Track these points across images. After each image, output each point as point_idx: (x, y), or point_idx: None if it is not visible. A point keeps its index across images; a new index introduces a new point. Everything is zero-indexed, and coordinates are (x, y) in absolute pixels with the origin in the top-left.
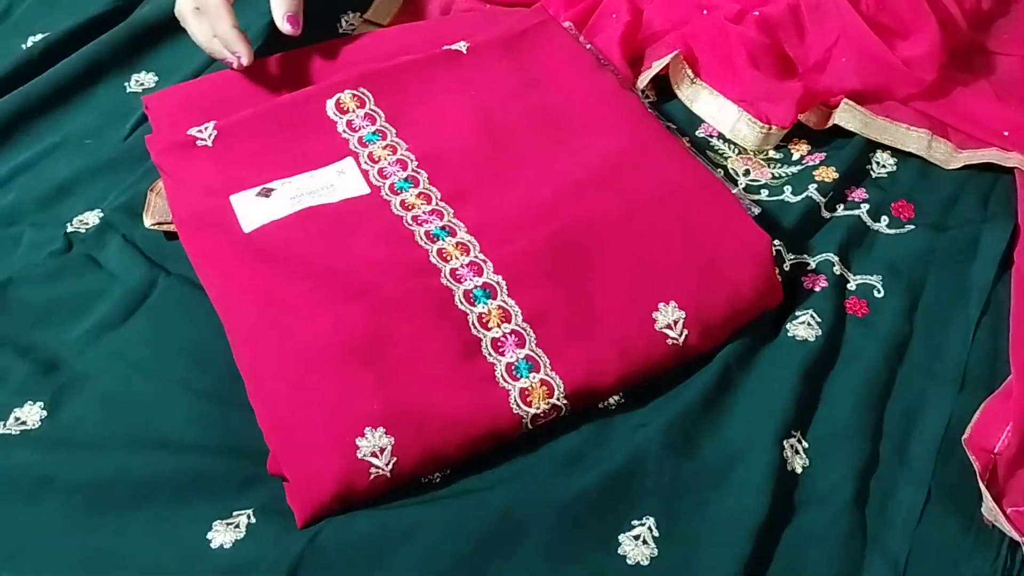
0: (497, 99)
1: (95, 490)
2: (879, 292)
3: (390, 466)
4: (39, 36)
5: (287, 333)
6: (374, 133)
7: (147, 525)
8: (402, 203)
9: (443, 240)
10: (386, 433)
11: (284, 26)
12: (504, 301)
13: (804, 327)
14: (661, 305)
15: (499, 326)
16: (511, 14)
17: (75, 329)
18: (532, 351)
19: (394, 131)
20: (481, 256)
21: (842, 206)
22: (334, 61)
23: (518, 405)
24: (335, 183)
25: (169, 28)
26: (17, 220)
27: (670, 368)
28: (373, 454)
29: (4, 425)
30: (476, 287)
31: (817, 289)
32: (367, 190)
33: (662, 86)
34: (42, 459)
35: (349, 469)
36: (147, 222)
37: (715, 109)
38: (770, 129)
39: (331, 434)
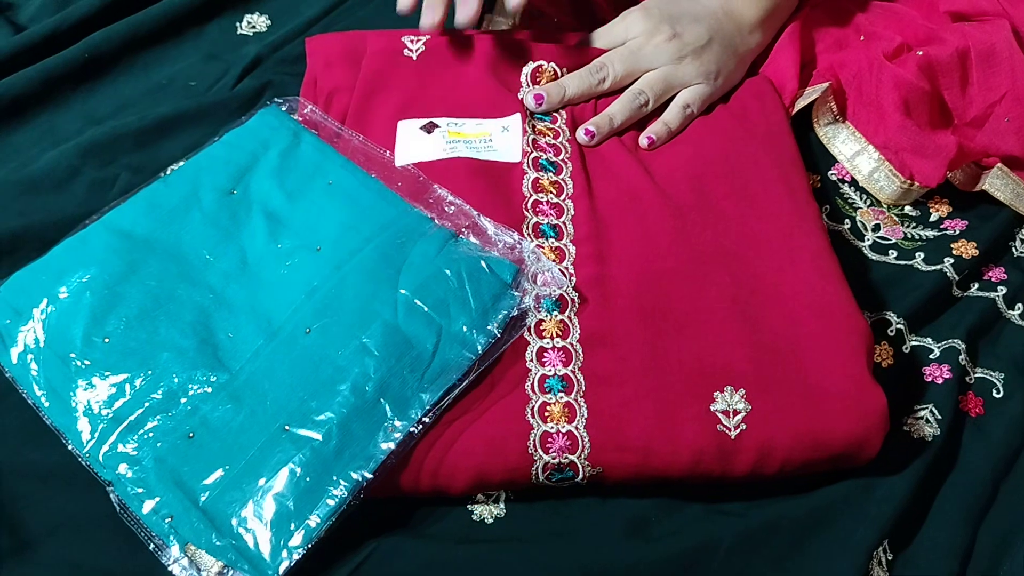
0: (684, 138)
1: None
2: (998, 392)
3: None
4: None
5: None
6: (545, 114)
7: None
8: (535, 182)
9: (546, 239)
10: None
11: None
12: (569, 317)
13: (924, 424)
14: (728, 388)
15: (552, 338)
16: None
17: None
18: (572, 373)
19: (564, 116)
20: (570, 268)
21: (976, 285)
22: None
23: (533, 415)
24: (494, 139)
25: None
26: (114, 159)
27: (711, 474)
28: None
29: None
30: (546, 296)
31: (939, 381)
32: (518, 158)
33: (798, 113)
34: None
35: None
36: None
37: (853, 152)
38: (912, 185)
39: None
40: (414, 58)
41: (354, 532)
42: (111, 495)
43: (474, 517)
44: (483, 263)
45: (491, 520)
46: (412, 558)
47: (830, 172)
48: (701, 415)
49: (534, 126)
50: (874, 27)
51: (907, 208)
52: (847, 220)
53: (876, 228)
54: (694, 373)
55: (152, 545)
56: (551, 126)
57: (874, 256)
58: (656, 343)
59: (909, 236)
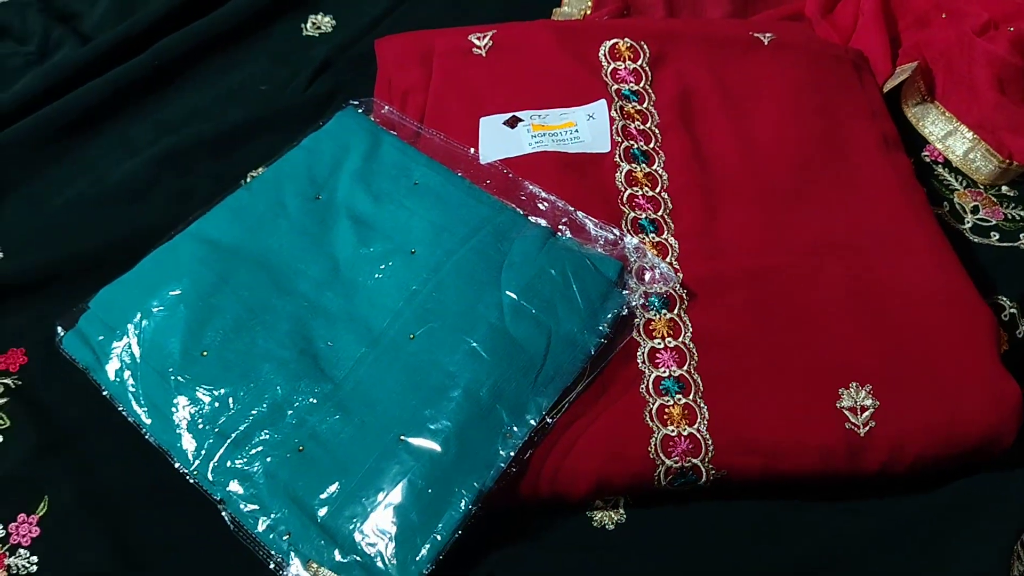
0: (776, 109)
1: None
2: None
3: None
4: None
5: None
6: (633, 93)
7: None
8: (628, 175)
9: (646, 235)
10: None
11: None
12: (679, 316)
13: None
14: (854, 384)
15: (664, 338)
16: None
17: None
18: (688, 374)
19: (654, 98)
20: (675, 264)
21: None
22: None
23: (652, 418)
24: (580, 130)
25: None
26: (192, 168)
27: (838, 473)
28: None
29: None
30: (655, 294)
31: None
32: (607, 148)
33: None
34: None
35: None
36: None
37: (944, 133)
38: (1010, 164)
39: None
40: (483, 55)
41: (475, 544)
42: (223, 513)
43: (594, 523)
44: (588, 261)
45: (612, 526)
46: (536, 568)
47: (923, 153)
48: (827, 413)
49: (622, 108)
50: (956, 4)
51: (1004, 188)
52: (945, 203)
53: (975, 210)
54: (816, 370)
55: (272, 564)
56: (640, 108)
57: (976, 239)
58: (772, 340)
59: (1010, 217)
